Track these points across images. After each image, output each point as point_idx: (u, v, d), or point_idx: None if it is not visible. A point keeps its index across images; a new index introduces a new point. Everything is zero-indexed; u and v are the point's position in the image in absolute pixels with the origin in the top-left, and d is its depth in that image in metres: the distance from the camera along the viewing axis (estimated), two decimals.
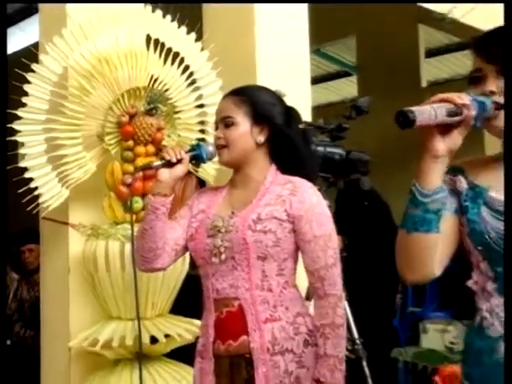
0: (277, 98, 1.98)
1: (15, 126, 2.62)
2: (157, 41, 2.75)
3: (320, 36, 4.25)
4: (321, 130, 2.99)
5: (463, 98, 1.28)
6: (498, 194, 1.35)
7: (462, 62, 7.07)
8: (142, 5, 2.87)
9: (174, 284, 2.77)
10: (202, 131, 2.91)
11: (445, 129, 1.29)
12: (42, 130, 2.67)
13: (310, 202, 1.84)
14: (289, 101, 2.02)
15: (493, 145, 1.59)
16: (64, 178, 2.67)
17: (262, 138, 1.91)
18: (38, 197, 2.66)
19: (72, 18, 2.76)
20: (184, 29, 2.86)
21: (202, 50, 2.90)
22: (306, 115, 2.98)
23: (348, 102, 3.10)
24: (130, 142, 2.72)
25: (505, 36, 1.33)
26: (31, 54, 2.74)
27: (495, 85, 1.34)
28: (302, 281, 1.98)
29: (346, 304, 2.34)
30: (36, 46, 2.87)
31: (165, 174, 1.89)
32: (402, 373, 3.94)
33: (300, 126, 2.03)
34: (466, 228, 1.39)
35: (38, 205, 2.67)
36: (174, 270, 2.66)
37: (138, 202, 2.64)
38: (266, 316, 1.81)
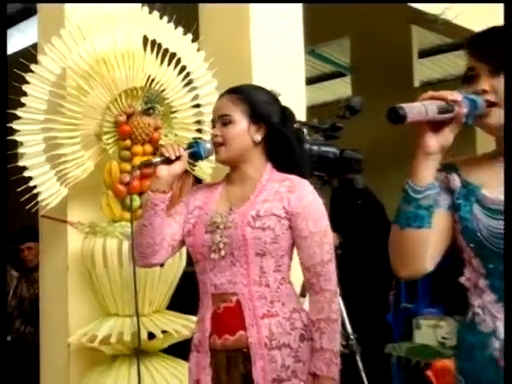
0: (273, 97, 1.99)
1: (14, 125, 2.64)
2: (154, 41, 2.77)
3: (314, 37, 4.28)
4: (315, 129, 3.02)
5: (454, 96, 1.29)
6: (490, 192, 1.36)
7: (454, 63, 7.09)
8: (139, 6, 2.90)
9: (172, 280, 2.79)
10: (199, 130, 2.92)
11: (437, 126, 1.31)
12: (40, 129, 2.70)
13: (307, 200, 1.86)
14: (284, 100, 2.02)
15: (485, 142, 1.61)
16: (62, 177, 2.69)
17: (259, 137, 1.92)
18: (36, 195, 2.68)
19: (70, 19, 2.78)
20: (181, 30, 2.88)
21: (199, 50, 2.92)
22: (301, 115, 3.00)
23: (342, 102, 3.11)
24: (128, 142, 2.74)
25: (505, 36, 1.34)
26: (30, 54, 2.76)
27: (488, 83, 1.35)
28: (296, 277, 2.00)
29: (340, 300, 2.36)
30: (35, 47, 2.89)
31: (163, 170, 1.89)
32: (395, 368, 3.97)
33: (294, 126, 2.04)
34: (459, 225, 1.40)
35: (36, 203, 2.69)
36: (171, 266, 2.68)
37: (135, 201, 2.65)
38: (264, 311, 1.82)
